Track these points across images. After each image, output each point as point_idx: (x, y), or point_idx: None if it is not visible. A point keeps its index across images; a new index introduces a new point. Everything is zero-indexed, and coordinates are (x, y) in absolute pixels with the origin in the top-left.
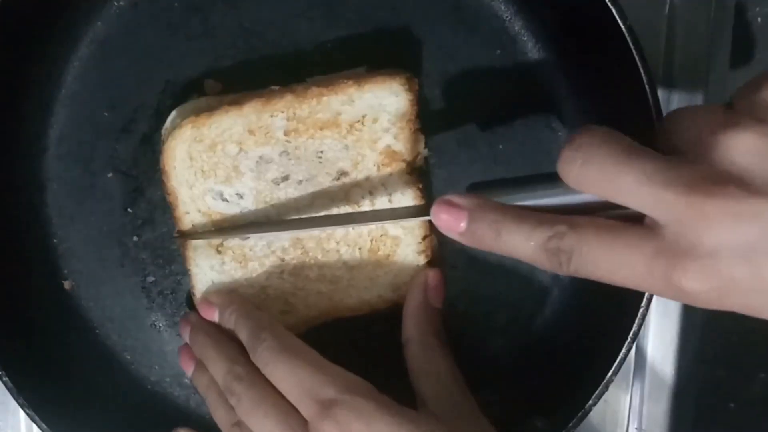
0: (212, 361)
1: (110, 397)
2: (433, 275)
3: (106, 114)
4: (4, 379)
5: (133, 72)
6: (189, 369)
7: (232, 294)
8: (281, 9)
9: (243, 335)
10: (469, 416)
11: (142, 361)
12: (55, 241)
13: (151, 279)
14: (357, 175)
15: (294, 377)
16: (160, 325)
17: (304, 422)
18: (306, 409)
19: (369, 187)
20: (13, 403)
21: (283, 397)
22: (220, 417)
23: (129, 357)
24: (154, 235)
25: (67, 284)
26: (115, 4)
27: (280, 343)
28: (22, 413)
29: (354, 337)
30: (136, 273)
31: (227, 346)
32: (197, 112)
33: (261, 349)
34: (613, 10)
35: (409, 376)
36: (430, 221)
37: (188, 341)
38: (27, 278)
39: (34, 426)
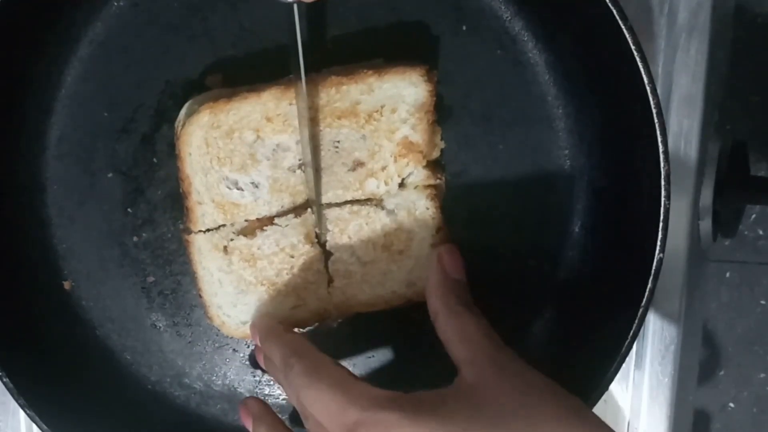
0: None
1: (110, 397)
2: (446, 249)
3: (105, 114)
4: (4, 379)
5: (132, 72)
6: (249, 425)
7: (269, 319)
8: (281, 9)
9: (276, 361)
10: (508, 367)
11: (142, 361)
12: (54, 241)
13: (151, 279)
14: (373, 165)
15: (320, 403)
16: (161, 325)
17: None
18: None
19: (385, 177)
20: (13, 404)
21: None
22: None
23: (129, 357)
24: (154, 235)
25: (67, 284)
26: (115, 4)
27: (306, 367)
28: (22, 414)
29: (375, 334)
30: (136, 273)
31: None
32: (215, 99)
33: (291, 376)
34: (614, 11)
35: (446, 348)
36: None
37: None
38: (27, 278)
39: (34, 426)
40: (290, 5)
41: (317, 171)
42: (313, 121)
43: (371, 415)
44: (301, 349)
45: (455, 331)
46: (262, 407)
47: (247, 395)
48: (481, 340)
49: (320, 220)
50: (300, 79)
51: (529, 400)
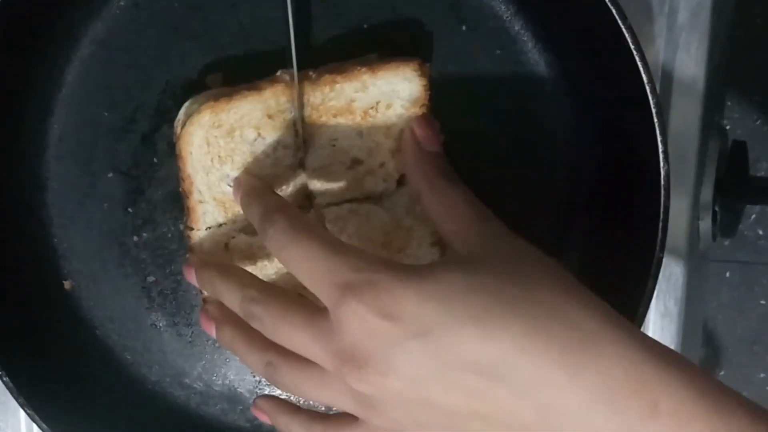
0: (224, 293)
1: (110, 396)
2: (418, 121)
3: (106, 114)
4: (4, 378)
5: (133, 72)
6: (211, 330)
7: (246, 176)
8: (281, 9)
9: (255, 219)
10: (498, 238)
11: (142, 361)
12: (55, 241)
13: (151, 279)
14: (371, 163)
15: (305, 263)
16: (161, 325)
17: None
18: (324, 298)
19: (383, 174)
20: (13, 403)
21: (303, 297)
22: (252, 363)
23: (129, 357)
24: (155, 235)
25: (67, 284)
26: (116, 3)
27: (293, 224)
28: (22, 413)
29: None
30: (137, 273)
31: (233, 273)
32: (215, 98)
33: (272, 231)
34: (613, 11)
35: (435, 228)
36: None
37: (196, 283)
38: (27, 278)
39: (35, 426)
40: None
41: (314, 170)
42: (308, 119)
43: (362, 276)
44: (286, 207)
45: (440, 205)
46: (275, 401)
47: (247, 395)
48: (467, 213)
49: (319, 218)
50: (294, 76)
51: (521, 268)
